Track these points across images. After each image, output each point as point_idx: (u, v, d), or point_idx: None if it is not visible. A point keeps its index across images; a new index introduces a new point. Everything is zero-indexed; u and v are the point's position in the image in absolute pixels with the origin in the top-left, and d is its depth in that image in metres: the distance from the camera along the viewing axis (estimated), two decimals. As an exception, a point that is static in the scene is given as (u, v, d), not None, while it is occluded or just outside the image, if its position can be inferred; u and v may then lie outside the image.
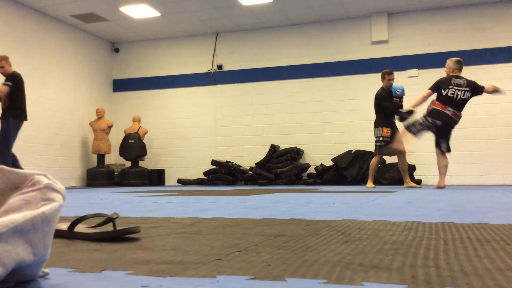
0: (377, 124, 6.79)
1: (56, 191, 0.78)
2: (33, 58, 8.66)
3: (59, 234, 1.38)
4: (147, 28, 9.86)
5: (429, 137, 8.79)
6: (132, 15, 9.09)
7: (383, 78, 6.86)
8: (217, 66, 10.10)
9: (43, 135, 8.83)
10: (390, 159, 8.77)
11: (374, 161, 6.82)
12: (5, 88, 5.95)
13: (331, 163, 8.78)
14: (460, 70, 6.19)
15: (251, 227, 1.58)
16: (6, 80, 6.01)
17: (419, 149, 8.80)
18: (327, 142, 9.31)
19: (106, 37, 10.52)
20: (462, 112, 6.62)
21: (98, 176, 9.36)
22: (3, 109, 6.05)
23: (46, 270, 0.81)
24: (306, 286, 0.73)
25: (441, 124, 6.12)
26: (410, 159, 8.73)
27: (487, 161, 8.44)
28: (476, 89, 6.13)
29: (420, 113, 6.50)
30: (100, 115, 9.67)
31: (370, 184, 6.82)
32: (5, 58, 6.04)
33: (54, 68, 9.18)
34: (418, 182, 8.56)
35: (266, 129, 9.73)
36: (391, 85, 6.79)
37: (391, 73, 6.84)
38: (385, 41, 9.09)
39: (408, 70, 8.92)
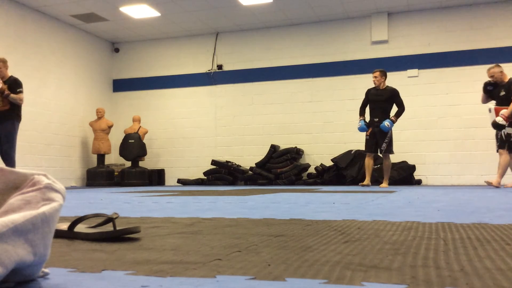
0: None
1: (56, 191, 0.78)
2: (33, 58, 8.66)
3: (59, 234, 1.38)
4: (147, 28, 9.86)
5: (429, 138, 8.81)
6: (132, 15, 9.09)
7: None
8: (217, 66, 10.10)
9: (43, 135, 8.83)
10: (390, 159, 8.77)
11: (365, 161, 7.15)
12: (22, 96, 6.09)
13: (331, 163, 8.78)
14: None
15: (251, 227, 1.58)
16: (15, 87, 6.04)
17: (419, 149, 8.80)
18: (327, 142, 9.30)
19: (106, 37, 10.52)
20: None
21: (98, 176, 9.36)
22: (6, 112, 6.05)
23: (46, 270, 0.81)
24: (306, 286, 0.73)
25: None
26: (410, 159, 8.73)
27: (487, 161, 8.43)
28: None
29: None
30: (100, 115, 9.67)
31: (366, 181, 7.04)
32: (3, 61, 6.06)
33: (54, 68, 9.18)
34: (418, 182, 8.56)
35: (266, 129, 9.73)
36: (374, 83, 6.98)
37: (374, 72, 7.03)
38: (385, 41, 9.09)
39: (408, 70, 8.93)
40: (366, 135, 6.98)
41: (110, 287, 0.74)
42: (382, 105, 6.89)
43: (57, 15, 9.04)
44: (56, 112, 9.20)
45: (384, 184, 6.92)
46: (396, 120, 6.84)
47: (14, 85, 6.03)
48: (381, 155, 7.15)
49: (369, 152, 6.99)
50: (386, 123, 6.70)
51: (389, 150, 6.86)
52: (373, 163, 7.23)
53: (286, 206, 2.68)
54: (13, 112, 6.06)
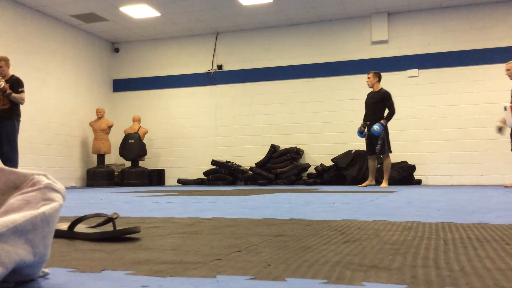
0: None
1: (56, 191, 0.78)
2: (33, 58, 8.66)
3: (59, 234, 1.38)
4: (147, 28, 9.86)
5: (429, 137, 8.81)
6: (132, 15, 9.09)
7: None
8: (217, 66, 10.10)
9: (43, 135, 8.83)
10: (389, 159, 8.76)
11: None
12: (24, 95, 6.11)
13: (331, 163, 8.78)
14: None
15: (251, 227, 1.58)
16: (17, 87, 6.05)
17: (419, 149, 8.80)
18: (327, 142, 9.30)
19: (106, 37, 10.52)
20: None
21: (98, 176, 9.35)
22: (6, 111, 6.04)
23: (46, 270, 0.81)
24: (306, 286, 0.73)
25: None
26: (410, 159, 8.73)
27: (487, 161, 8.44)
28: None
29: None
30: (100, 115, 9.67)
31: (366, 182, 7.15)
32: (5, 59, 6.06)
33: (54, 68, 9.18)
34: (418, 182, 8.56)
35: (266, 129, 9.73)
36: (367, 84, 7.15)
37: (368, 74, 7.17)
38: (385, 41, 9.09)
39: (408, 70, 8.93)
40: (366, 138, 7.12)
41: (110, 287, 0.74)
42: (373, 107, 6.99)
43: (57, 15, 9.04)
44: (56, 112, 9.20)
45: (384, 184, 6.94)
46: (386, 123, 6.88)
47: (16, 84, 6.03)
48: (381, 156, 7.22)
49: (369, 154, 7.14)
50: (376, 127, 6.80)
51: (384, 151, 6.92)
52: (376, 163, 7.30)
53: (286, 206, 2.68)
54: (13, 112, 6.05)
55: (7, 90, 5.87)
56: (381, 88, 7.03)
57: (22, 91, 6.05)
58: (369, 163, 7.18)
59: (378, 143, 6.89)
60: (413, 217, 1.94)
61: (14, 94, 5.94)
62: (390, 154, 7.05)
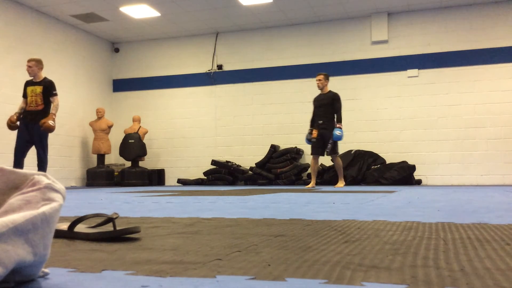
0: None
1: (56, 191, 0.78)
2: (33, 58, 8.65)
3: (59, 234, 1.38)
4: (147, 28, 9.86)
5: (429, 138, 8.80)
6: (132, 15, 9.09)
7: None
8: (217, 66, 10.10)
9: (43, 135, 8.82)
10: (390, 159, 8.77)
11: (311, 164, 7.16)
12: (57, 98, 6.22)
13: (331, 163, 8.78)
14: None
15: (251, 227, 1.58)
16: (51, 89, 6.16)
17: (419, 149, 8.80)
18: (327, 142, 9.30)
19: (106, 37, 10.52)
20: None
21: (98, 176, 9.35)
22: (40, 112, 6.11)
23: (46, 270, 0.81)
24: (306, 286, 0.73)
25: None
26: (410, 159, 8.73)
27: (487, 161, 8.44)
28: None
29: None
30: (100, 115, 9.67)
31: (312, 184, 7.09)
32: (37, 60, 6.18)
33: (54, 68, 9.18)
34: (418, 182, 8.56)
35: (266, 129, 9.73)
36: (317, 86, 7.11)
37: (318, 75, 7.13)
38: (385, 41, 9.09)
39: (408, 70, 8.92)
40: (313, 138, 7.03)
41: (110, 287, 0.74)
42: (325, 109, 6.98)
43: (57, 15, 9.04)
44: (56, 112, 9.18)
45: (340, 184, 6.95)
46: (341, 125, 6.88)
47: (50, 87, 6.16)
48: (327, 156, 7.15)
49: (316, 154, 7.07)
50: (337, 132, 6.77)
51: (334, 151, 6.92)
52: (318, 165, 7.25)
53: (286, 206, 2.68)
54: (47, 113, 6.14)
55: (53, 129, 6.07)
56: (330, 90, 7.07)
57: (56, 94, 6.19)
58: (313, 165, 7.08)
59: (329, 142, 6.88)
60: (413, 217, 1.94)
61: (53, 110, 6.11)
62: (338, 155, 7.05)
